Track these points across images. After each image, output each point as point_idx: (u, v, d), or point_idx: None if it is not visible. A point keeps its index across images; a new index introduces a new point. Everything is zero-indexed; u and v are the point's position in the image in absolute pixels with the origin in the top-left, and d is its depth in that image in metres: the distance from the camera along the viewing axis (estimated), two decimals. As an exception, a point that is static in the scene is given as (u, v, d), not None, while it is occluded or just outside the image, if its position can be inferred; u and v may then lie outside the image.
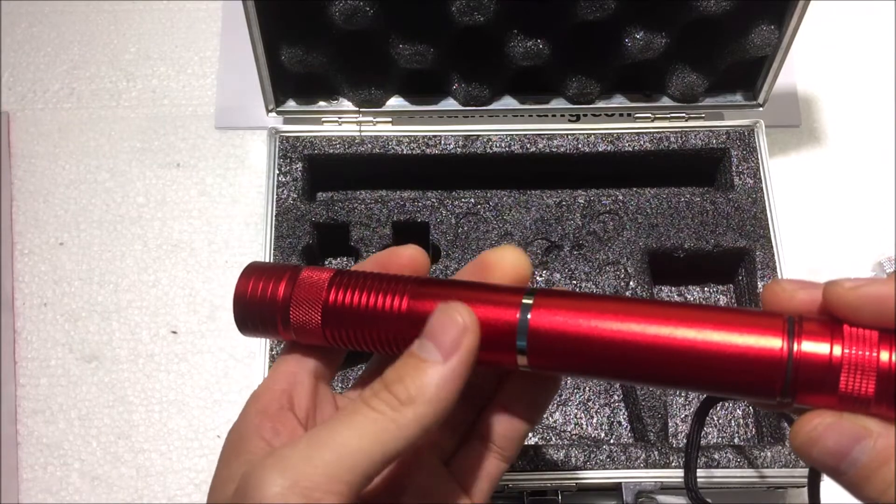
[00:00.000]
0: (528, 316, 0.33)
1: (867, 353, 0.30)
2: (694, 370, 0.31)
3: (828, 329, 0.30)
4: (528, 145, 0.67)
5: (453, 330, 0.32)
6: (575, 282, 0.64)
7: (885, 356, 0.30)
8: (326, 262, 0.68)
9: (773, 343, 0.30)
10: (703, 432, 0.46)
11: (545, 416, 0.63)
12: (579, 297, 0.34)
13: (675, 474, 0.57)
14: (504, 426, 0.38)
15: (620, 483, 0.57)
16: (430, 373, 0.32)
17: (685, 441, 0.46)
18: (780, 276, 0.62)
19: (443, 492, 0.37)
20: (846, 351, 0.30)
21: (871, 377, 0.30)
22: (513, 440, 0.38)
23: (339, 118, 0.67)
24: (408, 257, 0.38)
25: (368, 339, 0.36)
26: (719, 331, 0.31)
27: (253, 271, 0.38)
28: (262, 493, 0.30)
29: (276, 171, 0.65)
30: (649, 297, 0.64)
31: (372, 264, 0.38)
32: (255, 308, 0.37)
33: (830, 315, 0.31)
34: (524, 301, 0.34)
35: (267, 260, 0.63)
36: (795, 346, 0.30)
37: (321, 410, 0.38)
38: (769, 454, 0.57)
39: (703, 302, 0.67)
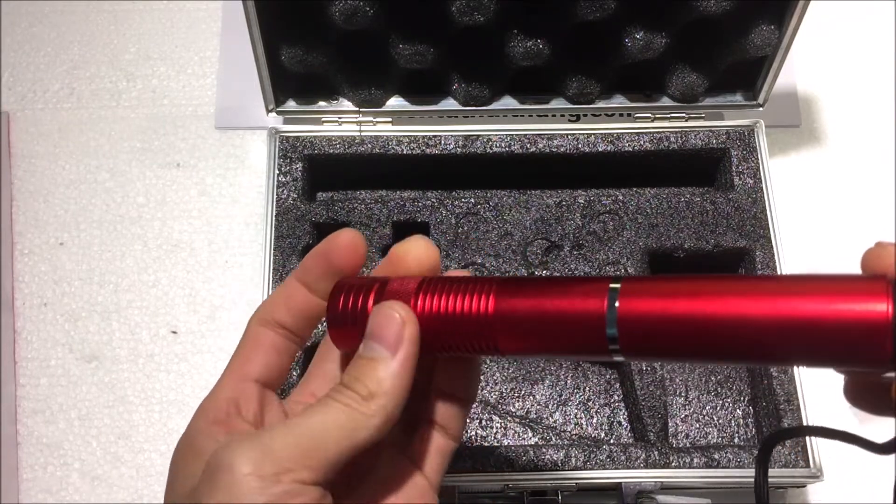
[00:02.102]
0: (616, 303, 0.33)
1: None
2: (798, 342, 0.30)
3: None
4: (528, 145, 0.67)
5: (393, 326, 0.35)
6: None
7: None
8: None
9: (878, 307, 0.29)
10: (768, 470, 0.42)
11: (545, 416, 0.63)
12: (667, 280, 0.33)
13: (675, 474, 0.57)
14: (444, 406, 0.39)
15: (620, 483, 0.57)
16: (382, 368, 0.34)
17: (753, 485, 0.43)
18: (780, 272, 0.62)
19: (399, 470, 0.39)
20: None
21: None
22: (454, 418, 0.39)
23: (339, 118, 0.67)
24: (347, 240, 0.38)
25: (459, 344, 0.36)
26: (819, 299, 0.30)
27: (342, 287, 0.38)
28: (235, 466, 0.31)
29: (276, 171, 0.65)
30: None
31: (314, 257, 0.38)
32: (349, 324, 0.38)
33: None
34: (611, 287, 0.33)
35: (268, 261, 0.63)
36: None
37: (269, 416, 0.38)
38: (769, 454, 0.57)
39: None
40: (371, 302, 0.37)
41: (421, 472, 0.39)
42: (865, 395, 0.33)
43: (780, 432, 0.44)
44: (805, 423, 0.59)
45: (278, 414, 0.39)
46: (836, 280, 0.31)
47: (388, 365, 0.34)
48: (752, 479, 0.57)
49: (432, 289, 0.36)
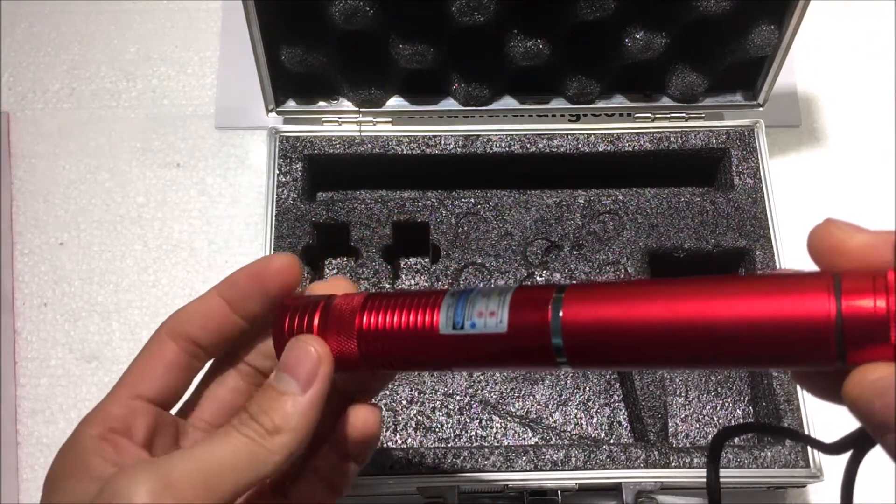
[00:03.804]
0: (560, 313, 0.32)
1: None
2: (745, 345, 0.30)
3: (870, 280, 0.28)
4: (528, 145, 0.67)
5: (308, 362, 0.34)
6: (575, 282, 0.64)
7: None
8: (326, 263, 0.68)
9: (819, 304, 0.28)
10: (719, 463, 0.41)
11: (545, 416, 0.63)
12: (611, 286, 0.33)
13: (675, 474, 0.57)
14: (333, 462, 0.38)
15: (620, 483, 0.57)
16: (291, 404, 0.33)
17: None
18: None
19: None
20: (893, 300, 0.28)
21: None
22: (342, 475, 0.39)
23: (339, 118, 0.67)
24: (280, 265, 0.37)
25: (408, 361, 0.35)
26: (763, 300, 0.29)
27: (287, 309, 0.37)
28: (133, 497, 0.30)
29: (276, 171, 0.65)
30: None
31: (246, 276, 0.37)
32: None
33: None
34: (555, 297, 0.33)
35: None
36: (842, 304, 0.28)
37: (160, 440, 0.37)
38: (769, 454, 0.57)
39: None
40: (316, 321, 0.36)
41: None
42: (813, 378, 0.32)
43: (728, 429, 0.42)
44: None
45: (171, 438, 0.37)
46: (782, 279, 0.30)
47: (297, 401, 0.33)
48: (752, 479, 0.57)
49: (378, 304, 0.35)
